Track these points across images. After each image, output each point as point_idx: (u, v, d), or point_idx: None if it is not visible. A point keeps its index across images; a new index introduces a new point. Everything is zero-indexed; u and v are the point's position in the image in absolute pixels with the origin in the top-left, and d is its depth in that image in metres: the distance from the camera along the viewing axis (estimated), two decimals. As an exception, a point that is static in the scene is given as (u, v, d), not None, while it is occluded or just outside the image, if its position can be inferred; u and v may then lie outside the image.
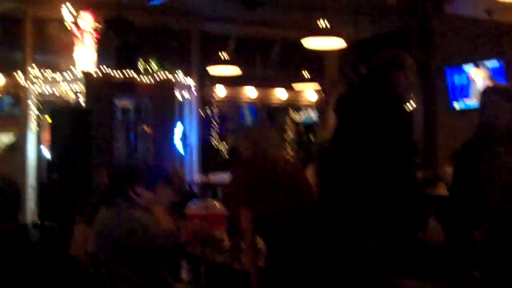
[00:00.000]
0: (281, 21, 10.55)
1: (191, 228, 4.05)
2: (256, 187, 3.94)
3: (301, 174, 4.30)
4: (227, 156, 11.94)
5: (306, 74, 10.86)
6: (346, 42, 7.29)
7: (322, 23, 7.00)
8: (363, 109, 2.95)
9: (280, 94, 11.73)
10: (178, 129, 9.86)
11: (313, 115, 12.48)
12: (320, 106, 12.09)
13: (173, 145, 9.66)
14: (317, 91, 11.87)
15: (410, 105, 9.83)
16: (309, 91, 11.91)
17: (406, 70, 3.04)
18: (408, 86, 3.06)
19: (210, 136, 11.67)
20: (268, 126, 4.61)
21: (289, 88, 11.53)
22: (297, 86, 11.27)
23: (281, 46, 11.55)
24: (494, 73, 8.80)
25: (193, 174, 10.58)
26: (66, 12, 8.91)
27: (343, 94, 3.16)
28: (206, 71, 10.17)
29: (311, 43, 7.60)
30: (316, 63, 11.75)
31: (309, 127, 12.66)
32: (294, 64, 11.60)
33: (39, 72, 9.33)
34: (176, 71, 9.79)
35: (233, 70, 9.80)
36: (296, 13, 9.72)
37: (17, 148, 9.87)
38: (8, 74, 9.54)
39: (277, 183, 3.94)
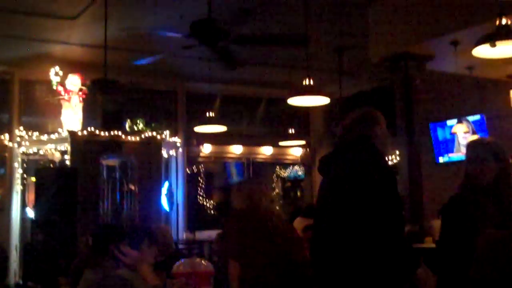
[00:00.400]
0: (266, 80, 10.73)
1: (177, 286, 3.99)
2: (246, 240, 3.93)
3: (292, 230, 4.30)
4: (214, 213, 11.93)
5: (291, 130, 10.98)
6: (331, 99, 7.41)
7: (307, 81, 7.12)
8: (346, 166, 3.00)
9: (266, 150, 11.80)
10: (164, 187, 9.83)
11: (299, 170, 12.54)
12: (306, 162, 12.15)
13: (159, 203, 9.61)
14: (303, 147, 11.96)
15: (390, 159, 9.94)
16: (294, 147, 11.99)
17: (381, 124, 3.14)
18: (385, 140, 3.14)
19: (196, 194, 11.67)
20: (260, 180, 4.65)
21: (275, 144, 11.62)
22: (283, 142, 11.35)
23: (267, 104, 11.70)
24: (476, 127, 8.95)
25: (180, 231, 10.50)
26: (54, 74, 9.01)
27: (325, 155, 3.22)
28: (192, 129, 10.26)
29: (296, 101, 7.71)
30: (302, 120, 11.90)
31: (295, 182, 12.71)
32: (279, 121, 11.74)
33: (25, 133, 9.34)
34: (163, 129, 9.86)
35: (219, 128, 9.87)
36: (281, 71, 9.89)
37: (2, 209, 9.78)
38: (-6, 135, 9.56)
39: (267, 237, 3.94)
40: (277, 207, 11.53)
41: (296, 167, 12.66)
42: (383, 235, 2.82)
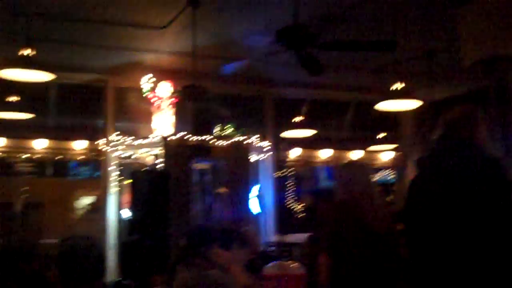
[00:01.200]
0: (355, 84, 10.72)
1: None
2: (340, 232, 3.77)
3: (393, 229, 3.99)
4: (302, 216, 12.01)
5: (381, 134, 10.91)
6: (422, 103, 7.34)
7: (397, 85, 7.11)
8: (457, 171, 2.84)
9: (355, 155, 11.77)
10: (254, 191, 10.01)
11: (389, 175, 12.42)
12: (396, 166, 12.03)
13: (249, 206, 9.78)
14: (393, 151, 11.85)
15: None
16: (384, 152, 11.90)
17: (482, 125, 3.02)
18: (485, 139, 3.01)
19: (285, 197, 11.79)
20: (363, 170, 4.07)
21: (364, 149, 11.59)
22: (373, 147, 11.30)
23: (355, 108, 11.69)
24: None
25: (269, 234, 10.65)
26: (146, 81, 9.41)
27: (424, 157, 3.11)
28: (281, 133, 10.42)
29: (386, 105, 7.70)
30: (392, 124, 11.79)
31: (385, 187, 12.57)
32: (369, 125, 11.68)
33: (120, 138, 9.82)
34: (251, 134, 10.06)
35: (307, 132, 9.99)
36: (370, 76, 9.87)
37: (99, 210, 10.32)
38: (91, 140, 10.10)
39: (364, 231, 3.75)
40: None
41: (386, 172, 12.54)
42: (495, 244, 2.72)
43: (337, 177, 4.11)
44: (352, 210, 3.81)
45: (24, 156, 10.06)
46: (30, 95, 9.19)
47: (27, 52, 6.14)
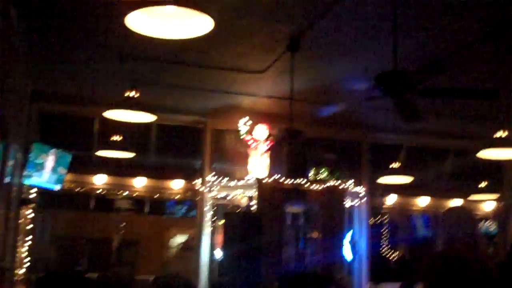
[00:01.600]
0: (455, 131, 10.45)
1: None
2: (441, 282, 3.50)
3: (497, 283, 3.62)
4: (397, 264, 11.71)
5: (483, 183, 10.53)
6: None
7: (500, 133, 6.88)
8: None
9: (454, 203, 11.39)
10: (347, 236, 9.88)
11: (491, 226, 11.91)
12: (498, 217, 11.52)
13: (342, 252, 9.66)
14: (495, 201, 11.38)
15: None
16: (486, 201, 11.45)
17: None
18: None
19: (379, 245, 11.55)
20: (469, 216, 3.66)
21: (464, 197, 11.21)
22: (474, 196, 10.91)
23: (455, 155, 11.36)
24: None
25: (363, 283, 10.44)
26: (243, 124, 9.60)
27: None
28: (376, 179, 10.27)
29: (488, 153, 7.45)
30: (494, 172, 11.34)
31: (487, 238, 12.06)
32: (469, 173, 11.31)
33: (215, 179, 10.01)
34: (346, 179, 9.99)
35: (404, 179, 9.78)
36: (470, 123, 9.60)
37: (192, 249, 10.50)
38: (188, 180, 10.37)
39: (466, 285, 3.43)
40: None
41: (488, 223, 12.03)
42: None
43: (440, 223, 3.75)
44: (455, 261, 3.51)
45: (124, 194, 10.46)
46: (132, 135, 9.59)
47: (131, 94, 6.44)
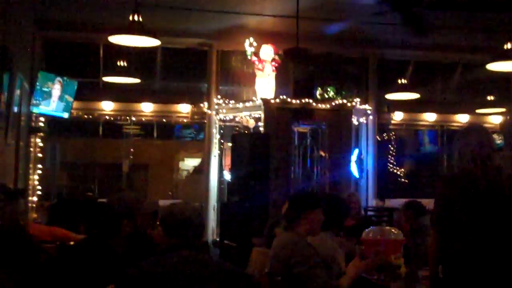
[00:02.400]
0: (463, 45, 10.33)
1: (368, 254, 4.07)
2: (450, 207, 3.44)
3: None
4: (404, 180, 11.89)
5: (490, 97, 10.51)
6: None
7: (509, 45, 6.81)
8: None
9: (461, 118, 11.42)
10: (354, 154, 9.98)
11: (497, 139, 11.96)
12: (505, 130, 11.57)
13: (349, 170, 9.78)
14: (503, 115, 11.39)
15: None
16: (493, 115, 11.45)
17: None
18: None
19: (387, 161, 11.67)
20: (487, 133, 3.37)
21: (471, 112, 11.22)
22: (481, 110, 10.92)
23: (463, 70, 11.29)
24: None
25: (369, 199, 10.63)
26: (248, 45, 9.52)
27: None
28: (383, 96, 10.27)
29: (496, 66, 7.40)
30: (502, 86, 11.31)
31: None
32: (476, 87, 11.27)
33: (222, 101, 10.03)
34: (353, 97, 9.99)
35: (411, 95, 9.78)
36: (479, 36, 9.48)
37: (202, 171, 10.66)
38: (195, 103, 10.40)
39: (479, 206, 3.35)
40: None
41: (495, 136, 12.09)
42: None
43: (458, 139, 3.57)
44: (469, 184, 3.39)
45: (131, 119, 10.53)
46: (138, 60, 9.55)
47: (135, 18, 6.36)
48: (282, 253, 3.73)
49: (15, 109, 7.09)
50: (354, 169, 9.94)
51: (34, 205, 9.06)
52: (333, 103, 9.55)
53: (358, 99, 9.93)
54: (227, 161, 9.87)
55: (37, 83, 8.41)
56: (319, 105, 9.47)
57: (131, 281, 2.78)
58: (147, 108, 10.41)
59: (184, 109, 10.51)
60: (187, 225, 2.91)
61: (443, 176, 3.86)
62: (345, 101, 9.62)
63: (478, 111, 10.97)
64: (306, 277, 3.60)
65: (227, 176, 9.86)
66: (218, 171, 10.34)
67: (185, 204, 3.00)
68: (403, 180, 12.19)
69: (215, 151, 10.30)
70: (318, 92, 9.79)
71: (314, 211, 3.84)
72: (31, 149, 9.22)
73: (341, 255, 4.16)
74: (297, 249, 3.69)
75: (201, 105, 10.33)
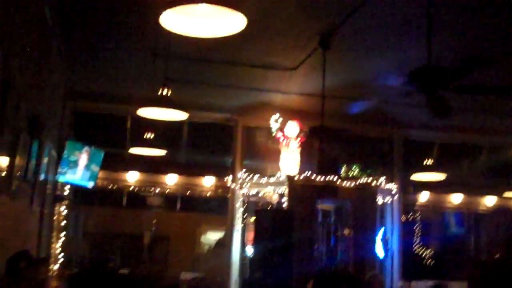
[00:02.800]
0: (489, 127, 10.32)
1: None
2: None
3: None
4: (430, 262, 11.64)
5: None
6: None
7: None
8: None
9: (488, 201, 11.26)
10: (379, 234, 9.84)
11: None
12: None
13: (374, 250, 9.62)
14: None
15: None
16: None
17: None
18: None
19: (412, 242, 11.48)
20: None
21: (499, 195, 11.08)
22: (508, 193, 10.78)
23: (489, 152, 11.22)
24: None
25: (394, 280, 10.39)
26: (274, 121, 9.62)
27: None
28: (409, 176, 10.20)
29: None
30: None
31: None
32: (504, 170, 11.16)
33: (246, 176, 10.05)
34: (378, 176, 9.94)
35: (437, 176, 9.72)
36: (505, 118, 9.47)
37: (224, 245, 10.57)
38: (219, 177, 10.43)
39: None
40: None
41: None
42: None
43: (485, 222, 3.50)
44: (499, 268, 3.34)
45: (156, 191, 10.57)
46: (164, 132, 9.68)
47: (164, 92, 6.50)
48: None
49: (42, 177, 7.17)
50: (379, 249, 9.78)
51: (55, 273, 9.02)
52: (358, 182, 9.53)
53: (383, 178, 9.89)
54: (250, 236, 9.79)
55: (65, 152, 8.54)
56: (344, 183, 9.44)
57: None
58: (171, 180, 10.47)
59: (208, 182, 10.54)
60: None
61: (475, 260, 3.72)
62: (370, 179, 9.60)
63: (505, 194, 10.83)
64: None
65: (250, 251, 9.76)
66: (241, 246, 10.25)
67: (207, 280, 2.88)
68: (428, 261, 11.94)
69: (238, 226, 10.23)
70: (343, 170, 9.78)
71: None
72: (55, 217, 9.26)
73: None
74: None
75: (225, 179, 10.35)
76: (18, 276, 3.88)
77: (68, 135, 9.40)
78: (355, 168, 9.79)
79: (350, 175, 9.73)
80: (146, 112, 6.72)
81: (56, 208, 9.30)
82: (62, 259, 9.44)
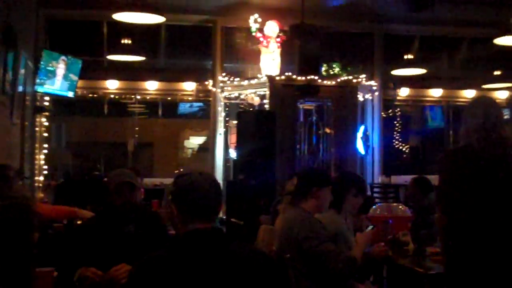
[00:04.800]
0: (469, 19, 10.23)
1: (376, 231, 4.08)
2: (453, 181, 3.31)
3: None
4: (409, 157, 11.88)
5: (497, 72, 10.44)
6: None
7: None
8: None
9: (467, 94, 11.36)
10: (360, 131, 9.96)
11: (505, 114, 11.92)
12: (512, 105, 11.52)
13: (355, 147, 9.75)
14: (510, 90, 11.33)
15: None
16: (500, 90, 11.39)
17: None
18: None
19: (392, 138, 11.64)
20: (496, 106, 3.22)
21: (478, 87, 11.16)
22: (487, 85, 10.86)
23: (469, 44, 11.19)
24: None
25: (375, 175, 10.62)
26: (253, 21, 9.45)
27: None
28: (389, 72, 10.19)
29: (503, 40, 7.35)
30: (508, 60, 11.21)
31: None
32: (483, 62, 11.19)
33: (227, 79, 9.98)
34: (359, 73, 9.92)
35: (417, 71, 9.72)
36: (486, 9, 9.37)
37: (207, 150, 10.66)
38: (200, 81, 10.35)
39: (479, 180, 3.22)
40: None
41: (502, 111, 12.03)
42: None
43: (466, 111, 3.43)
44: (474, 157, 3.26)
45: (136, 97, 10.51)
46: (142, 38, 9.50)
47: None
48: (290, 229, 3.70)
49: (20, 89, 7.07)
50: (360, 146, 9.91)
51: (40, 185, 9.08)
52: (339, 80, 9.49)
53: (363, 75, 9.87)
54: (233, 139, 9.84)
55: (42, 62, 8.37)
56: (325, 82, 9.40)
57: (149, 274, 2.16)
58: (152, 86, 10.39)
59: (189, 87, 10.47)
60: (210, 200, 2.31)
61: (446, 150, 3.72)
62: (350, 77, 9.57)
63: (484, 86, 10.91)
64: (317, 252, 3.59)
65: (233, 154, 9.85)
66: (224, 149, 10.32)
67: (202, 175, 2.34)
68: (408, 156, 12.17)
69: (220, 129, 10.27)
70: (324, 69, 9.72)
71: (322, 189, 3.82)
72: (37, 128, 9.21)
73: (350, 231, 4.16)
74: (306, 224, 3.67)
75: (206, 82, 10.28)
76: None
77: (44, 45, 9.18)
78: (335, 66, 9.74)
79: (331, 74, 9.66)
80: (122, 17, 6.57)
81: (37, 120, 9.23)
82: (46, 171, 9.48)
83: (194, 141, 14.45)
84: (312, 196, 3.80)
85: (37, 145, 9.18)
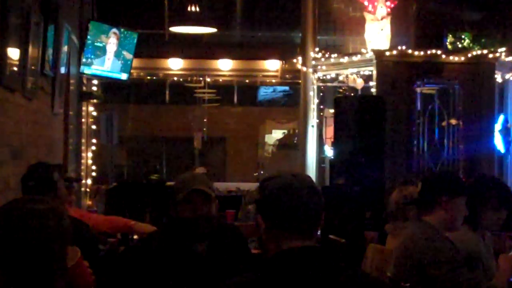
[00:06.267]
0: None
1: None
2: None
3: None
4: None
5: None
6: None
7: None
8: None
9: None
10: (498, 122, 9.80)
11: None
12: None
13: (491, 143, 9.59)
14: None
15: None
16: None
17: None
18: None
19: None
20: None
21: None
22: None
23: None
24: None
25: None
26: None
27: None
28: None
29: None
30: None
31: None
32: None
33: (321, 55, 9.92)
34: (496, 46, 9.70)
35: None
36: None
37: (295, 147, 10.66)
38: (285, 59, 10.37)
39: None
40: None
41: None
42: None
43: None
44: None
45: (205, 81, 10.65)
46: (213, 5, 9.58)
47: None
48: (411, 250, 3.66)
49: (63, 70, 7.23)
50: (498, 141, 9.77)
51: (88, 190, 9.31)
52: (469, 55, 9.39)
53: (503, 49, 9.65)
54: (329, 132, 9.87)
55: (88, 37, 8.57)
56: (450, 58, 9.34)
57: None
58: (225, 66, 10.47)
59: (271, 66, 10.50)
60: (310, 210, 2.21)
61: None
62: (485, 51, 9.42)
63: None
64: (447, 280, 3.54)
65: (329, 152, 9.84)
66: (317, 146, 10.33)
67: (297, 178, 2.25)
68: None
69: (312, 121, 10.27)
70: (449, 41, 9.65)
71: (454, 199, 3.72)
72: (83, 120, 9.44)
73: (489, 252, 4.06)
74: (432, 244, 3.61)
75: (294, 60, 10.28)
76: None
77: (91, 15, 9.41)
78: (465, 37, 9.63)
79: (459, 47, 9.59)
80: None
81: (84, 109, 9.47)
82: (95, 172, 9.72)
83: (278, 136, 14.53)
84: (440, 207, 3.72)
85: (83, 140, 9.42)
